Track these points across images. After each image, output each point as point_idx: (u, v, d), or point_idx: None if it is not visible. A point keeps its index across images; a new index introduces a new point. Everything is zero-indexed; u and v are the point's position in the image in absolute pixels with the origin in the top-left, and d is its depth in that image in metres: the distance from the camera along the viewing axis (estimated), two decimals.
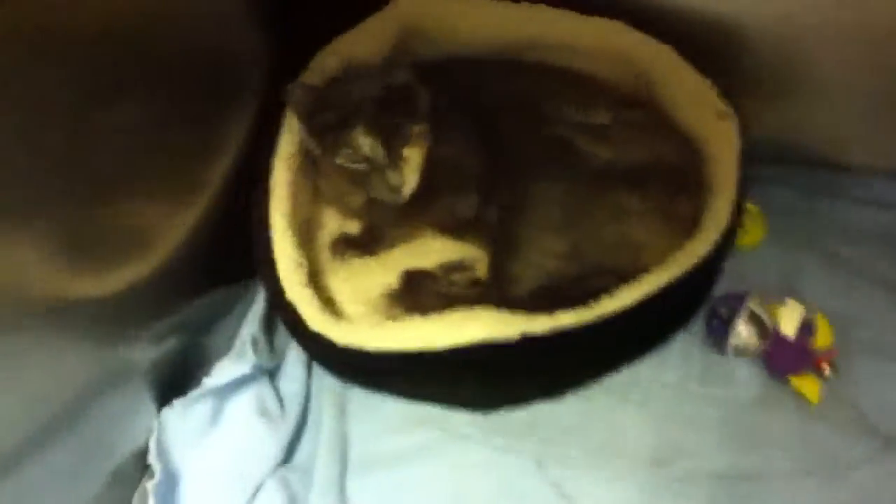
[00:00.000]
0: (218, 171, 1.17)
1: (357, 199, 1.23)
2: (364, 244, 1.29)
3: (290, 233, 1.15)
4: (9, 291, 0.83)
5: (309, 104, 1.15)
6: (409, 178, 1.12)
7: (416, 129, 1.12)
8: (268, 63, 1.26)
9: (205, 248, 1.14)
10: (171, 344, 1.14)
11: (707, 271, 1.10)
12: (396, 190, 1.12)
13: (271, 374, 1.22)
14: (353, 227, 1.31)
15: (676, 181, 1.15)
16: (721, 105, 1.17)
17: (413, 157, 1.12)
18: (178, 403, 1.12)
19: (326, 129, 1.13)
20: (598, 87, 1.26)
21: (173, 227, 1.09)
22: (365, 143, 1.09)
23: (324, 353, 1.11)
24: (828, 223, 1.33)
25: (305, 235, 1.25)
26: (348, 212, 1.29)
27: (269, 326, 1.23)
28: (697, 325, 1.21)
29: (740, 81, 1.23)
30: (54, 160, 0.84)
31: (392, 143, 1.10)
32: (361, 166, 1.11)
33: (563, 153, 1.15)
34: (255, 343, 1.17)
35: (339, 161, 1.12)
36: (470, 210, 1.23)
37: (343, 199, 1.26)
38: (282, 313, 1.13)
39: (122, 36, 0.90)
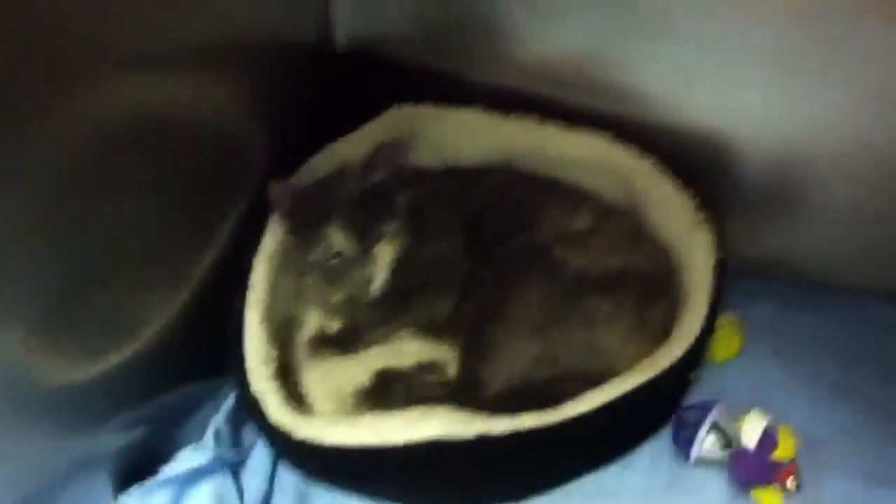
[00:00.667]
0: (201, 266, 1.18)
1: (336, 297, 1.27)
2: (341, 342, 1.31)
3: (262, 328, 1.17)
4: None
5: (290, 202, 1.21)
6: (378, 273, 1.17)
7: (390, 227, 1.16)
8: (262, 163, 1.30)
9: (182, 340, 1.15)
10: (138, 433, 1.16)
11: (675, 380, 1.11)
12: (366, 285, 1.16)
13: (237, 468, 1.23)
14: (334, 326, 1.34)
15: (648, 289, 1.17)
16: (697, 216, 1.20)
17: (383, 255, 1.17)
18: (134, 491, 1.13)
19: (305, 226, 1.18)
20: (583, 195, 1.30)
21: (151, 318, 1.10)
22: (338, 239, 1.14)
23: (284, 445, 1.11)
24: (808, 339, 1.33)
25: (284, 333, 1.28)
26: (329, 310, 1.32)
27: (237, 421, 1.24)
28: (667, 433, 1.20)
29: (729, 197, 1.29)
30: (35, 244, 0.84)
31: (365, 240, 1.15)
32: (335, 262, 1.16)
33: (540, 259, 1.19)
34: (217, 435, 1.18)
35: (312, 258, 1.17)
36: (446, 310, 1.27)
37: (323, 296, 1.30)
38: (247, 406, 1.14)
39: (126, 130, 0.92)
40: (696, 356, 1.09)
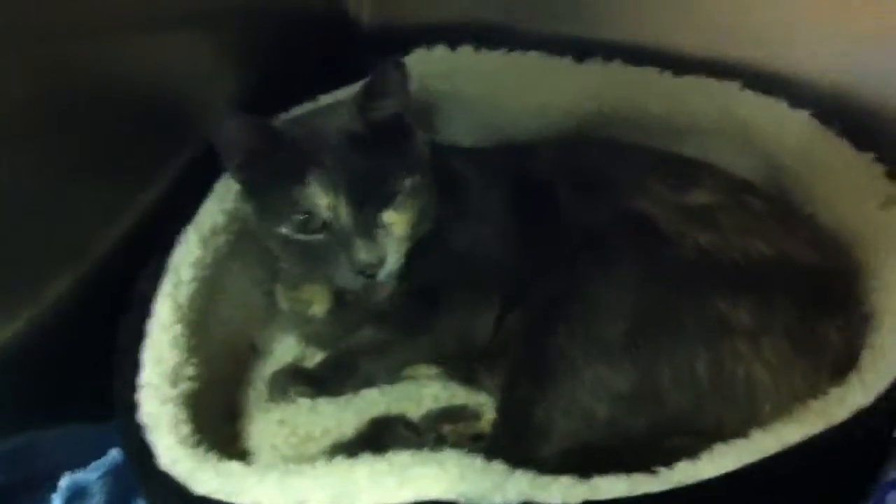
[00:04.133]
0: (104, 236, 0.93)
1: (319, 305, 0.99)
2: (321, 381, 0.97)
3: (179, 328, 0.86)
4: None
5: (249, 146, 0.89)
6: (391, 253, 0.89)
7: (407, 182, 0.90)
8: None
9: (51, 352, 0.86)
10: None
11: (868, 439, 0.78)
12: (370, 269, 0.88)
13: None
14: (313, 358, 1.05)
15: (814, 293, 0.85)
16: (890, 188, 0.94)
17: (397, 225, 0.90)
18: None
19: (270, 181, 0.89)
20: (700, 166, 1.01)
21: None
22: (322, 199, 0.87)
23: None
24: None
25: (229, 361, 0.99)
26: (308, 332, 1.03)
27: (123, 487, 0.85)
28: None
29: None
30: None
31: (365, 201, 0.88)
32: (318, 237, 0.88)
33: (638, 235, 0.89)
34: (76, 493, 0.78)
35: (283, 231, 0.89)
36: (484, 333, 0.96)
37: (300, 307, 1.00)
38: (128, 443, 0.78)
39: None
40: None
